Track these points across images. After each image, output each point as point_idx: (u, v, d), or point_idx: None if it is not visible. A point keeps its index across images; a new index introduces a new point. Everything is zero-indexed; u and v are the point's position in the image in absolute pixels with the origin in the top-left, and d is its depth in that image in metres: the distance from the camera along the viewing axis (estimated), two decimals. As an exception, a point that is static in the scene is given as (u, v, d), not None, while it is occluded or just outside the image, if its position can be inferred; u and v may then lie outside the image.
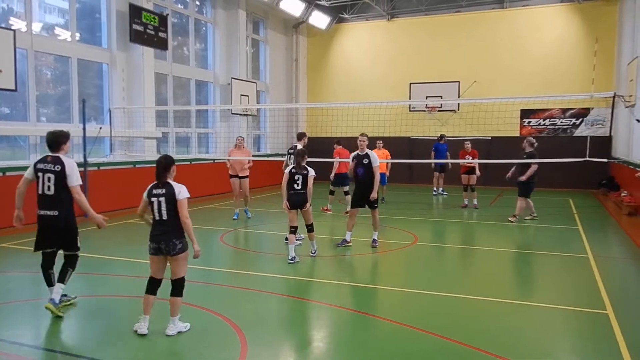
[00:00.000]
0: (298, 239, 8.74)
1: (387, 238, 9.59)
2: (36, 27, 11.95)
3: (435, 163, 16.08)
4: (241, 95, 17.67)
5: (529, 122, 19.20)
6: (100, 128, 11.86)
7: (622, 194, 13.24)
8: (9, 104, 11.66)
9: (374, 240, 8.95)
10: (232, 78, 17.44)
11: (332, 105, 18.95)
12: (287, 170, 7.99)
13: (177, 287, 4.95)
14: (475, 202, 13.77)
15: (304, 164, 7.91)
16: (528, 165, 11.14)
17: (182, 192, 4.88)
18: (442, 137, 16.79)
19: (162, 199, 4.86)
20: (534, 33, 19.04)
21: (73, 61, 12.47)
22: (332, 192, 12.86)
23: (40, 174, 5.41)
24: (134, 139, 13.82)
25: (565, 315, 5.72)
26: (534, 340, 4.92)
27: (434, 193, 16.88)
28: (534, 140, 11.66)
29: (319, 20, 21.14)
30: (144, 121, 13.77)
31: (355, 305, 6.03)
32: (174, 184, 4.92)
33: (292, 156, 9.08)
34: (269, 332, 5.09)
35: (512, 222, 11.39)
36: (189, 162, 15.18)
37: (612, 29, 17.87)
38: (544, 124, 19.07)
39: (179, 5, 16.42)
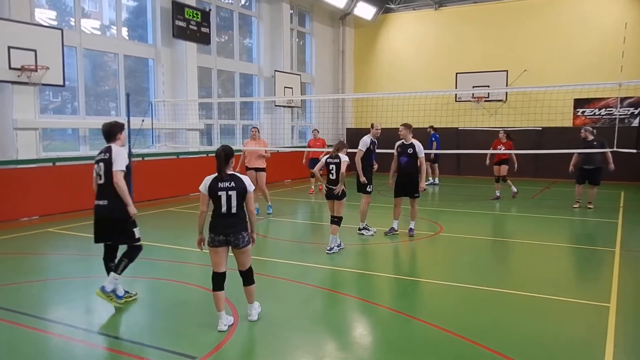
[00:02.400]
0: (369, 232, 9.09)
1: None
2: (89, 24, 12.80)
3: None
4: (285, 87, 18.01)
5: (583, 111, 18.35)
6: (143, 121, 12.50)
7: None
8: (75, 98, 12.58)
9: (411, 229, 9.06)
10: (276, 70, 17.80)
11: (377, 96, 18.90)
12: (323, 159, 8.01)
13: (249, 276, 5.01)
14: (515, 190, 13.50)
15: (338, 153, 7.82)
16: (595, 154, 11.40)
17: (251, 184, 4.85)
18: (431, 127, 16.57)
19: (233, 193, 4.74)
20: (587, 19, 18.15)
21: (120, 57, 13.22)
22: (312, 175, 13.75)
23: (95, 165, 5.44)
24: (178, 131, 14.47)
25: (565, 306, 5.61)
26: (520, 329, 4.89)
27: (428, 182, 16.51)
28: (592, 129, 11.94)
29: (365, 11, 21.10)
30: (187, 114, 14.38)
31: (363, 294, 6.16)
32: (241, 176, 4.84)
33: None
34: (263, 314, 5.31)
35: (590, 208, 11.82)
36: (232, 153, 15.68)
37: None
38: (599, 114, 18.17)
39: (224, 0, 16.91)
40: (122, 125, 5.62)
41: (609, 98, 17.87)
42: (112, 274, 5.37)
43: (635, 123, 17.48)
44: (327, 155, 7.99)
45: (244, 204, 4.86)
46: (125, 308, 5.51)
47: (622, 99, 17.66)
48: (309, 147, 15.25)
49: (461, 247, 8.61)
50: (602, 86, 15.92)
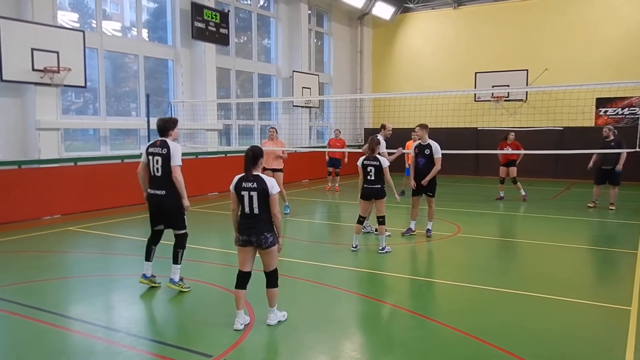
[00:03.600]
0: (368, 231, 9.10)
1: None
2: (110, 26, 13.01)
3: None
4: (303, 87, 18.05)
5: (606, 111, 18.05)
6: (162, 121, 12.65)
7: None
8: (96, 99, 12.80)
9: (428, 230, 9.03)
10: (294, 71, 17.86)
11: (395, 96, 18.84)
12: (359, 163, 7.95)
13: (272, 278, 4.97)
14: (524, 193, 13.23)
15: (375, 155, 7.82)
16: (612, 153, 11.32)
17: (274, 187, 4.79)
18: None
19: (254, 194, 4.76)
20: (609, 17, 17.86)
21: (140, 58, 13.39)
22: (329, 173, 15.57)
23: (150, 157, 5.81)
24: (197, 131, 14.60)
25: (584, 309, 5.52)
26: (538, 331, 4.83)
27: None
28: (614, 128, 11.96)
29: (383, 10, 21.05)
30: (206, 114, 14.51)
31: (379, 294, 6.16)
32: (265, 177, 4.80)
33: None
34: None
35: (612, 209, 11.67)
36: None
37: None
38: (622, 113, 17.84)
39: (242, 1, 17.02)
40: (176, 120, 6.10)
41: (632, 97, 17.54)
42: (174, 266, 5.95)
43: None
44: (364, 157, 7.93)
45: (269, 206, 4.81)
46: (145, 306, 5.59)
47: (646, 98, 17.31)
48: (329, 146, 15.46)
49: (479, 248, 8.55)
50: (624, 85, 15.65)
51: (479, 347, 4.51)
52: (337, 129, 15.80)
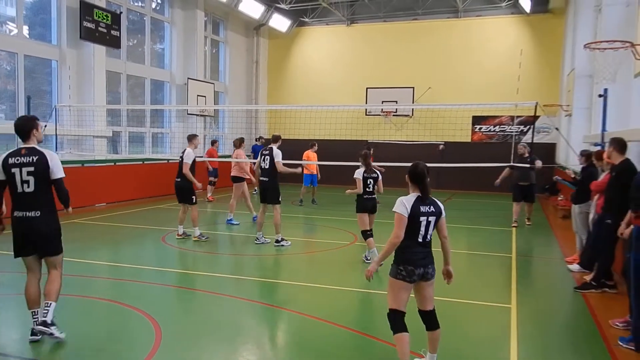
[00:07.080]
0: (264, 242, 9.08)
1: (327, 238, 9.84)
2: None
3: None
4: (198, 95, 17.75)
5: (480, 128, 19.81)
6: (45, 126, 11.75)
7: (559, 198, 13.82)
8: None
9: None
10: (189, 78, 17.51)
11: (288, 108, 19.19)
12: (359, 176, 7.84)
13: (436, 317, 4.31)
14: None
15: (371, 168, 7.96)
16: (528, 170, 11.24)
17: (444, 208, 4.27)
18: (260, 138, 17.77)
19: (433, 219, 4.12)
20: (486, 43, 19.70)
21: (19, 57, 12.38)
22: (211, 183, 15.47)
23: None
24: (84, 138, 13.76)
25: (471, 309, 6.05)
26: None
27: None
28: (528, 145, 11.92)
29: (280, 23, 21.37)
30: (94, 120, 13.73)
31: (269, 300, 6.24)
32: (434, 198, 4.24)
33: (266, 157, 9.10)
34: (185, 328, 5.25)
35: (529, 225, 11.83)
36: (141, 162, 15.13)
37: (559, 41, 18.60)
38: (494, 130, 19.70)
39: (135, 3, 16.40)
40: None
41: (502, 116, 19.42)
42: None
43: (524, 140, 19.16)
44: (363, 170, 7.90)
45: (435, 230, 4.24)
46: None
47: (513, 117, 19.23)
48: (209, 156, 15.14)
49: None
50: (495, 106, 17.31)
51: (370, 344, 4.77)
52: (215, 139, 15.99)
